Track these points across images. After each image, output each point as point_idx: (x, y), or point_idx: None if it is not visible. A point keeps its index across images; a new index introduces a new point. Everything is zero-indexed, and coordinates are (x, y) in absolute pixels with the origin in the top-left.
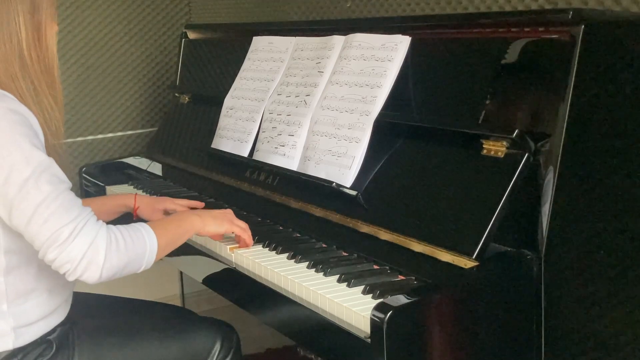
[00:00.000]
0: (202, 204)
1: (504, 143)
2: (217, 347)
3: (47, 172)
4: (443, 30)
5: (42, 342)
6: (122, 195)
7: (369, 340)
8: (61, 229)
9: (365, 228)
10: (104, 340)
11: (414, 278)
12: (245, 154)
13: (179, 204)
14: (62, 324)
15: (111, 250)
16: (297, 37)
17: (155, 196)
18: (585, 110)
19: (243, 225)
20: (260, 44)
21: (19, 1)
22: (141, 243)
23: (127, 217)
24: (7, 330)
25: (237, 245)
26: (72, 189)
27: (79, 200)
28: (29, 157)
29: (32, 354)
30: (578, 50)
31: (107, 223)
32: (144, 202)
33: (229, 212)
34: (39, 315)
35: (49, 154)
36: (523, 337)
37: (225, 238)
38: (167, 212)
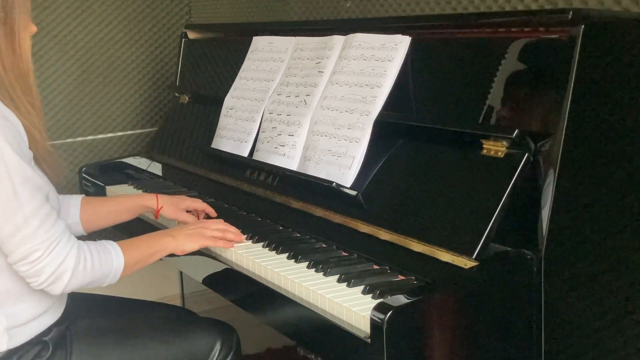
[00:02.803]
0: (213, 211)
1: (504, 143)
2: (217, 347)
3: (28, 184)
4: (443, 30)
5: (38, 342)
6: (143, 195)
7: (369, 340)
8: (35, 247)
9: (365, 228)
10: (102, 341)
11: (414, 278)
12: (245, 154)
13: (195, 204)
14: (58, 325)
15: (78, 270)
16: (297, 37)
17: (175, 195)
18: (585, 110)
19: (217, 232)
20: (260, 44)
21: None
22: (108, 264)
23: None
24: (1, 331)
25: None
26: (71, 189)
27: (54, 213)
28: (10, 167)
29: (28, 355)
30: (578, 50)
31: (127, 222)
32: (166, 202)
33: (202, 224)
34: (31, 315)
35: (39, 153)
36: (523, 337)
37: None
38: (188, 211)
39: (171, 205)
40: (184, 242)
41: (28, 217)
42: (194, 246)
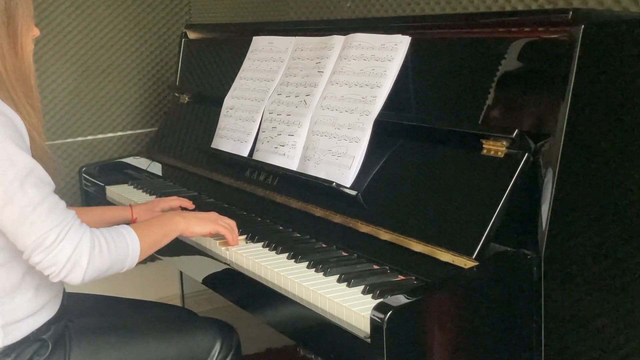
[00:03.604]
0: (191, 203)
1: (504, 143)
2: (217, 347)
3: (32, 175)
4: (443, 30)
5: (36, 340)
6: (118, 207)
7: (369, 340)
8: (47, 233)
9: (365, 228)
10: (102, 340)
11: (414, 278)
12: (245, 153)
13: (170, 203)
14: (55, 322)
15: (94, 255)
16: (297, 37)
17: (148, 201)
18: (585, 110)
19: (228, 224)
20: (260, 44)
21: None
22: (123, 247)
23: None
24: None
25: (225, 240)
26: (71, 189)
27: (63, 203)
28: (14, 159)
29: (27, 353)
30: (578, 50)
31: None
32: (140, 211)
33: (213, 214)
34: (27, 312)
35: (37, 154)
36: (523, 337)
37: (218, 237)
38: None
39: (146, 212)
40: (195, 223)
41: (36, 205)
42: (203, 230)
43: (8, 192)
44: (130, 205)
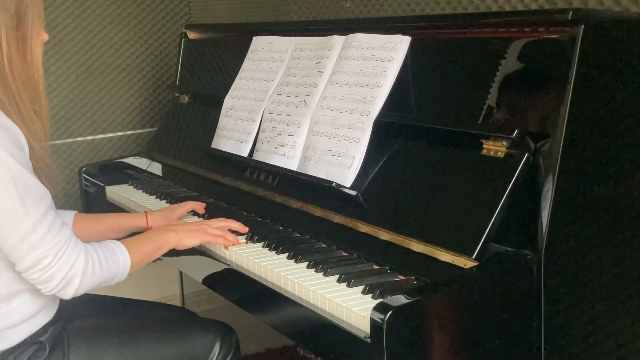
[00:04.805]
0: (203, 205)
1: (504, 143)
2: (217, 348)
3: (32, 193)
4: (443, 30)
5: (33, 343)
6: (133, 215)
7: (369, 340)
8: (44, 254)
9: (365, 228)
10: (100, 341)
11: (414, 278)
12: (245, 154)
13: (186, 207)
14: (53, 324)
15: (87, 274)
16: (297, 37)
17: (164, 208)
18: (585, 110)
19: (218, 231)
20: (260, 44)
21: (1, 14)
22: (115, 265)
23: None
24: None
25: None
26: (71, 189)
27: (59, 220)
28: (16, 176)
29: (24, 355)
30: (578, 50)
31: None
32: (157, 219)
33: (204, 222)
34: (23, 316)
35: (37, 164)
36: (523, 337)
37: None
38: (180, 218)
39: (162, 220)
40: (186, 237)
41: (35, 225)
42: (194, 242)
43: (9, 210)
44: (145, 212)
